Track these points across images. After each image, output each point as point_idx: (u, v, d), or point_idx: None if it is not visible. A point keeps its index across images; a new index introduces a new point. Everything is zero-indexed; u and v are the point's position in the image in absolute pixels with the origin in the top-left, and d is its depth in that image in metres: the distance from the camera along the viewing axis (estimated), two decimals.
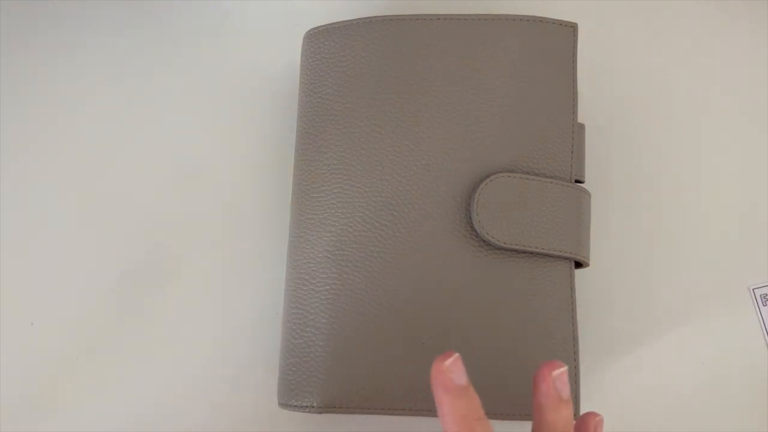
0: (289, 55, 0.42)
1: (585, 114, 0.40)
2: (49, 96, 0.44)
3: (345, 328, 0.34)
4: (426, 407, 0.33)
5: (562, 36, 0.36)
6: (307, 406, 0.33)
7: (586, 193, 0.35)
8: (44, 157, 0.43)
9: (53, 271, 0.41)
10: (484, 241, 0.33)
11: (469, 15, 0.36)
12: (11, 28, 0.45)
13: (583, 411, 0.33)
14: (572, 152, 0.35)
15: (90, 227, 0.41)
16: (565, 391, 0.27)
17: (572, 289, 0.34)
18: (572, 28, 0.36)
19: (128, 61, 0.44)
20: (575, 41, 0.36)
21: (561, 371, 0.27)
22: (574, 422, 0.28)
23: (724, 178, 0.41)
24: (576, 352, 0.33)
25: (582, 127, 0.36)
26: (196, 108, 0.43)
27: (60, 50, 0.45)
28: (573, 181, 0.35)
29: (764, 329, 0.38)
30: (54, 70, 0.44)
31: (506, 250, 0.33)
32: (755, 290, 0.39)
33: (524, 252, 0.33)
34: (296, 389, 0.34)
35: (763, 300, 0.38)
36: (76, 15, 0.45)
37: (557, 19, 0.36)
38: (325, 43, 0.37)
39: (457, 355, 0.26)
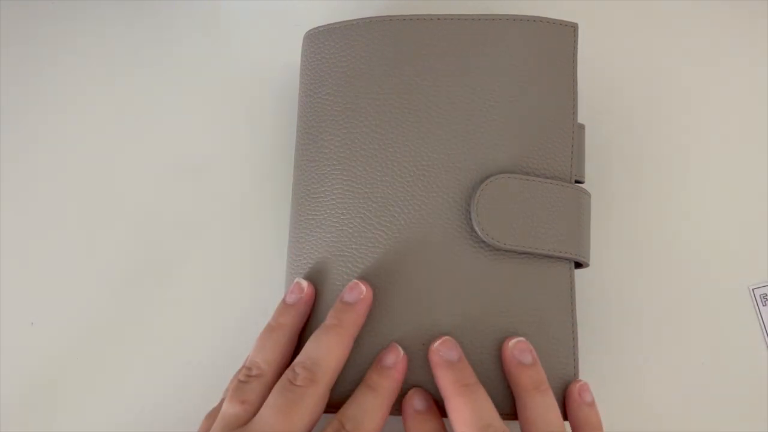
0: (290, 55, 0.42)
1: (585, 114, 0.40)
2: (49, 95, 0.44)
3: None
4: None
5: (563, 36, 0.36)
6: None
7: (586, 193, 0.35)
8: (44, 157, 0.43)
9: (53, 271, 0.41)
10: (484, 242, 0.33)
11: (469, 15, 0.36)
12: (11, 27, 0.45)
13: None
14: (572, 152, 0.34)
15: (90, 227, 0.41)
16: (525, 357, 0.31)
17: (572, 289, 0.34)
18: (572, 28, 0.36)
19: (128, 61, 0.44)
20: (575, 41, 0.36)
21: (515, 341, 0.31)
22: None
23: (725, 178, 0.41)
24: (576, 353, 0.33)
25: (582, 127, 0.36)
26: (196, 108, 0.43)
27: (60, 50, 0.45)
28: (573, 181, 0.35)
29: (764, 329, 0.38)
30: (54, 69, 0.44)
31: (506, 251, 0.33)
32: (755, 290, 0.39)
33: (524, 253, 0.33)
34: None
35: (763, 300, 0.38)
36: (76, 15, 0.45)
37: (557, 20, 0.36)
38: (325, 44, 0.37)
39: (445, 337, 0.32)
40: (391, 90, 0.35)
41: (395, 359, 0.31)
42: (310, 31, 0.39)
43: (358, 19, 0.37)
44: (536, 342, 0.32)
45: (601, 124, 0.41)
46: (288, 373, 0.30)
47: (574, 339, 0.33)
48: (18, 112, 0.44)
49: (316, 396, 0.29)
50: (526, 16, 0.36)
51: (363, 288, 0.32)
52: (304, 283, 0.34)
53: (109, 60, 0.44)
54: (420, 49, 0.36)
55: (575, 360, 0.33)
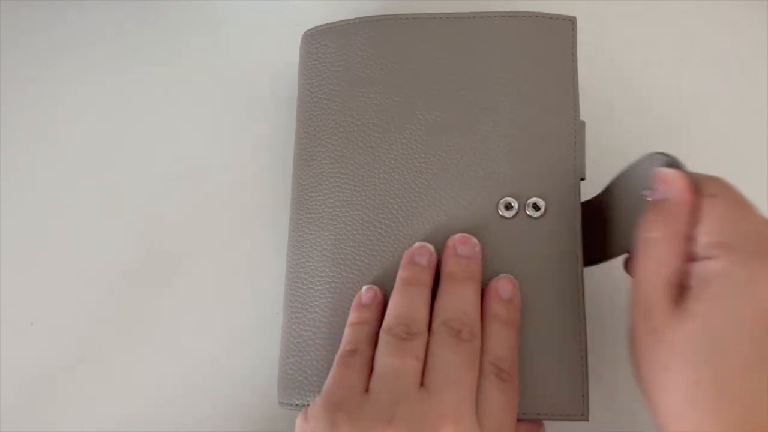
0: (289, 55, 0.42)
1: (585, 113, 0.40)
2: (49, 96, 0.44)
3: (345, 326, 0.33)
4: None
5: (561, 31, 0.35)
6: (307, 405, 0.33)
7: None
8: (44, 158, 0.43)
9: (53, 271, 0.41)
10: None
11: (464, 13, 0.36)
12: (10, 28, 0.45)
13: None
14: (575, 151, 0.34)
15: (90, 227, 0.42)
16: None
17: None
18: (570, 21, 0.35)
19: (128, 62, 0.44)
20: (574, 36, 0.35)
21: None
22: None
23: (724, 176, 0.40)
24: (583, 344, 0.32)
25: (582, 124, 0.36)
26: (195, 108, 0.43)
27: (59, 50, 0.45)
28: (579, 179, 0.34)
29: None
30: (53, 69, 0.45)
31: None
32: None
33: None
34: (296, 388, 0.34)
35: None
36: (76, 15, 0.45)
37: (554, 14, 0.35)
38: (323, 44, 0.37)
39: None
40: (389, 90, 0.35)
41: (512, 290, 0.31)
42: (308, 31, 0.39)
43: (355, 18, 0.37)
44: (540, 345, 0.32)
45: (601, 122, 0.41)
46: (445, 329, 0.29)
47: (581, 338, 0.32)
48: (17, 112, 0.44)
49: (479, 350, 0.29)
50: (523, 12, 0.35)
51: (475, 241, 0.32)
52: (430, 247, 0.32)
53: (108, 61, 0.45)
54: (416, 49, 0.36)
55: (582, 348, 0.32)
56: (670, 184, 0.28)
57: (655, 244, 0.27)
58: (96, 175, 0.42)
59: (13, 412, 0.39)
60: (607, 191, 0.34)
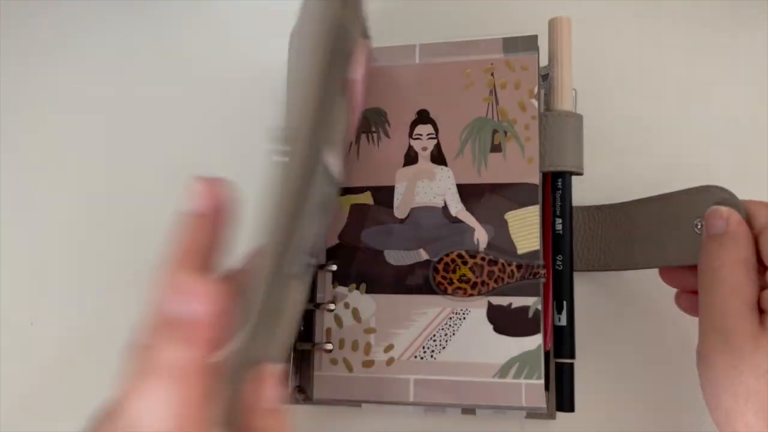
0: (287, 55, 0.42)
1: (585, 111, 0.40)
2: (46, 96, 0.44)
3: None
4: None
5: None
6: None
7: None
8: (43, 158, 0.43)
9: (53, 271, 0.41)
10: None
11: None
12: (9, 27, 0.46)
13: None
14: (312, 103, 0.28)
15: (89, 227, 0.42)
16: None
17: None
18: None
19: (126, 62, 0.45)
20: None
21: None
22: None
23: (724, 174, 0.40)
24: None
25: (580, 117, 0.36)
26: (195, 108, 0.43)
27: (55, 50, 0.45)
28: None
29: None
30: (51, 69, 0.45)
31: None
32: None
33: None
34: None
35: None
36: (74, 14, 0.46)
37: None
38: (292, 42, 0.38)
39: None
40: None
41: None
42: (292, 29, 0.39)
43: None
44: None
45: (601, 122, 0.41)
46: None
47: None
48: (17, 113, 0.44)
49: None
50: None
51: (213, 188, 0.22)
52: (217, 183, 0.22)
53: (107, 61, 0.45)
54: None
55: None
56: (726, 220, 0.30)
57: (728, 273, 0.28)
58: (95, 175, 0.43)
59: (13, 412, 0.39)
60: (640, 206, 0.35)
